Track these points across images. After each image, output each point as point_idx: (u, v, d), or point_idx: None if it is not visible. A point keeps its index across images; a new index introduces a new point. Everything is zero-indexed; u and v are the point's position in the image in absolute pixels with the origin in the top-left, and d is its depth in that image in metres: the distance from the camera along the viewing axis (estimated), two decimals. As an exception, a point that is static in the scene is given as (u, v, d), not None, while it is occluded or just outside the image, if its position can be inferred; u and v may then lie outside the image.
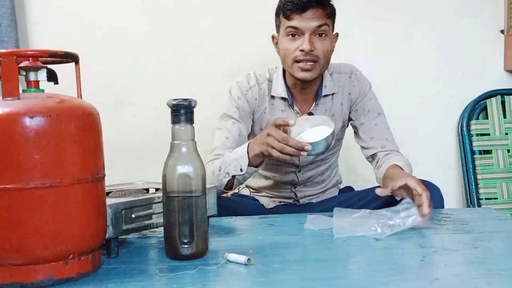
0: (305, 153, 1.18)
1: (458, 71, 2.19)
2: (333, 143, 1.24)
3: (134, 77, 2.11)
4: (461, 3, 2.16)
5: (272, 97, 1.52)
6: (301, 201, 1.63)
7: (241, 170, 1.32)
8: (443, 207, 1.39)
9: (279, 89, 1.50)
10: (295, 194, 1.63)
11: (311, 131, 1.26)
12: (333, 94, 1.53)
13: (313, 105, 1.52)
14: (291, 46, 1.41)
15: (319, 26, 1.39)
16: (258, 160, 1.32)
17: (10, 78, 0.82)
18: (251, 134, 1.56)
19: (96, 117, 0.88)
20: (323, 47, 1.41)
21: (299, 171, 1.59)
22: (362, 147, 1.55)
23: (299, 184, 1.62)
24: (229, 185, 1.39)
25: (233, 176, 1.35)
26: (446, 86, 2.19)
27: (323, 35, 1.41)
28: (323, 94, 1.51)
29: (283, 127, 1.23)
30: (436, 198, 1.37)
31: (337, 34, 1.51)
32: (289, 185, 1.62)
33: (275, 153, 1.22)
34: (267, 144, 1.23)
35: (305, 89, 1.50)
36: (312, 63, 1.41)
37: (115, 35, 2.09)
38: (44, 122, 0.80)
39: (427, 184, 1.39)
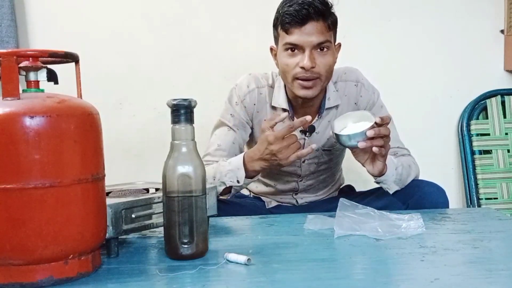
0: (314, 147, 1.23)
1: (458, 71, 2.18)
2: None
3: (134, 77, 2.11)
4: (461, 3, 2.16)
5: (274, 107, 1.48)
6: (303, 204, 1.63)
7: (238, 181, 1.31)
8: (447, 208, 1.39)
9: (280, 100, 1.46)
10: (296, 200, 1.62)
11: (353, 126, 1.25)
12: (337, 105, 1.48)
13: (316, 117, 1.47)
14: (290, 62, 1.35)
15: (320, 43, 1.33)
16: (257, 174, 1.32)
17: (10, 78, 0.82)
18: (252, 141, 1.55)
19: (96, 117, 0.88)
20: (325, 62, 1.35)
21: (300, 180, 1.58)
22: None
23: (300, 191, 1.61)
24: (224, 193, 1.37)
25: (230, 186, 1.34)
26: (446, 86, 2.19)
27: (325, 49, 1.35)
28: (326, 107, 1.47)
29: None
30: (441, 199, 1.37)
31: (339, 44, 1.45)
32: (290, 192, 1.61)
33: (284, 162, 1.23)
34: (270, 160, 1.25)
35: (307, 103, 1.45)
36: (313, 81, 1.35)
37: (115, 35, 2.09)
38: (44, 122, 0.80)
39: (431, 185, 1.40)
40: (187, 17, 2.11)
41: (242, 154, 1.34)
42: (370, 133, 1.17)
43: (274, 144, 1.22)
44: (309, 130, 1.48)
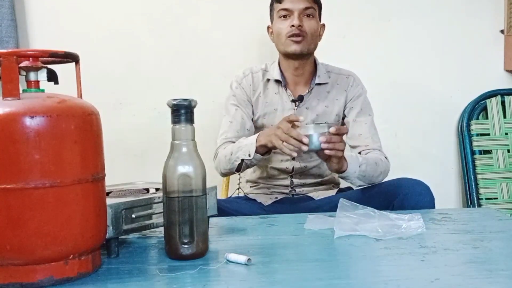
0: (305, 147, 1.30)
1: (458, 71, 2.18)
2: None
3: (134, 77, 2.11)
4: (461, 3, 2.16)
5: (268, 80, 1.67)
6: (298, 190, 1.65)
7: (249, 155, 1.47)
8: (433, 207, 1.40)
9: (274, 73, 1.66)
10: (292, 182, 1.66)
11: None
12: (326, 84, 1.66)
13: (307, 91, 1.65)
14: (283, 25, 1.59)
15: (306, 8, 1.59)
16: (263, 150, 1.46)
17: (10, 78, 0.82)
18: (254, 117, 1.68)
19: (96, 117, 0.89)
20: (310, 25, 1.59)
21: (293, 159, 1.64)
22: (349, 145, 1.63)
23: (295, 172, 1.66)
24: (239, 168, 1.53)
25: (242, 160, 1.49)
26: (446, 86, 2.19)
27: (310, 16, 1.60)
28: (316, 82, 1.65)
29: (293, 123, 1.34)
30: (426, 197, 1.39)
31: (323, 25, 1.67)
32: (285, 173, 1.67)
33: (279, 143, 1.35)
34: (274, 135, 1.37)
35: (297, 70, 1.64)
36: (301, 37, 1.57)
37: (115, 35, 2.09)
38: (44, 122, 0.80)
39: (417, 183, 1.43)
40: (187, 17, 2.11)
41: (257, 133, 1.50)
42: (322, 139, 1.31)
43: (282, 123, 1.37)
44: (298, 99, 1.64)
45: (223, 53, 2.11)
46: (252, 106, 1.68)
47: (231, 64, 2.07)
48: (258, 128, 1.68)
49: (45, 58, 0.88)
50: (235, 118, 1.64)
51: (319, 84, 1.65)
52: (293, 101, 1.65)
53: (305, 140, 1.29)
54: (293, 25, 1.57)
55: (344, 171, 1.43)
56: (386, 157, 1.58)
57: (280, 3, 1.61)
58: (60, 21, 2.08)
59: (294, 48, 1.58)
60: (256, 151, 1.46)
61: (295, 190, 1.67)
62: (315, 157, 1.64)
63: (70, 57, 0.91)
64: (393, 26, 2.16)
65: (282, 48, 1.62)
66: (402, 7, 2.15)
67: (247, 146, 1.48)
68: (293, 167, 1.66)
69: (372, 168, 1.49)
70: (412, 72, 2.18)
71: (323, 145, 1.31)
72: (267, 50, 1.55)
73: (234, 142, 1.59)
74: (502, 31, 2.16)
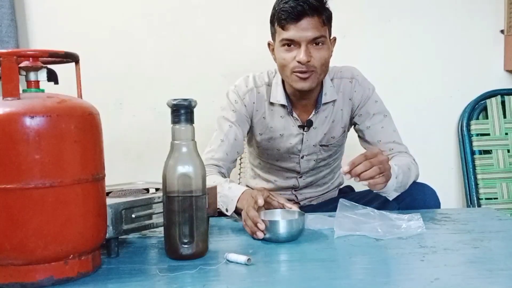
0: (260, 234, 1.07)
1: (458, 71, 2.19)
2: (296, 233, 1.09)
3: (134, 77, 2.11)
4: (461, 3, 2.16)
5: (272, 103, 1.50)
6: (302, 203, 1.63)
7: (226, 210, 1.27)
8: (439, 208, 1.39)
9: (278, 96, 1.48)
10: (296, 196, 1.63)
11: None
12: (333, 101, 1.50)
13: (313, 112, 1.49)
14: (287, 57, 1.38)
15: (315, 38, 1.35)
16: (241, 211, 1.24)
17: (10, 78, 0.82)
18: (252, 139, 1.57)
19: (96, 117, 0.89)
20: (320, 56, 1.37)
21: (300, 177, 1.59)
22: None
23: (300, 188, 1.62)
24: None
25: None
26: (446, 86, 2.19)
27: (320, 44, 1.37)
28: (323, 102, 1.49)
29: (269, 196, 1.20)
30: (432, 200, 1.38)
31: (334, 38, 1.46)
32: (290, 188, 1.62)
33: (243, 221, 1.16)
34: (244, 207, 1.18)
35: (304, 96, 1.47)
36: (309, 73, 1.37)
37: (115, 35, 2.09)
38: (44, 122, 0.80)
39: (423, 187, 1.40)
40: (187, 17, 2.11)
41: (243, 189, 1.28)
42: (345, 170, 1.13)
43: (250, 199, 1.19)
44: (307, 124, 1.50)
45: (223, 53, 2.11)
46: (250, 125, 1.52)
47: (231, 64, 2.07)
48: (261, 149, 1.56)
49: (45, 58, 0.88)
50: (228, 138, 1.46)
51: (326, 102, 1.49)
52: (300, 126, 1.50)
53: (260, 226, 1.06)
54: (299, 61, 1.35)
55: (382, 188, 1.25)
56: (414, 159, 1.45)
57: (283, 29, 1.36)
58: (60, 21, 2.08)
59: (301, 85, 1.39)
60: (235, 210, 1.25)
61: (299, 203, 1.62)
62: (324, 170, 1.61)
63: (70, 57, 0.91)
64: (394, 26, 2.16)
65: (287, 80, 1.43)
66: (402, 8, 2.16)
67: (228, 199, 1.27)
68: (299, 184, 1.60)
69: (407, 176, 1.34)
70: (412, 72, 2.18)
71: (363, 182, 1.14)
72: (267, 50, 1.54)
73: (220, 166, 1.43)
74: (502, 31, 2.17)
